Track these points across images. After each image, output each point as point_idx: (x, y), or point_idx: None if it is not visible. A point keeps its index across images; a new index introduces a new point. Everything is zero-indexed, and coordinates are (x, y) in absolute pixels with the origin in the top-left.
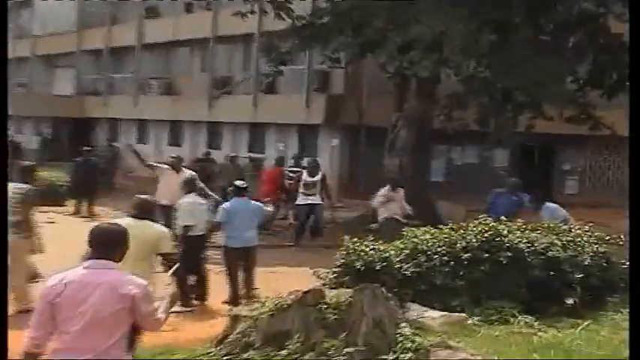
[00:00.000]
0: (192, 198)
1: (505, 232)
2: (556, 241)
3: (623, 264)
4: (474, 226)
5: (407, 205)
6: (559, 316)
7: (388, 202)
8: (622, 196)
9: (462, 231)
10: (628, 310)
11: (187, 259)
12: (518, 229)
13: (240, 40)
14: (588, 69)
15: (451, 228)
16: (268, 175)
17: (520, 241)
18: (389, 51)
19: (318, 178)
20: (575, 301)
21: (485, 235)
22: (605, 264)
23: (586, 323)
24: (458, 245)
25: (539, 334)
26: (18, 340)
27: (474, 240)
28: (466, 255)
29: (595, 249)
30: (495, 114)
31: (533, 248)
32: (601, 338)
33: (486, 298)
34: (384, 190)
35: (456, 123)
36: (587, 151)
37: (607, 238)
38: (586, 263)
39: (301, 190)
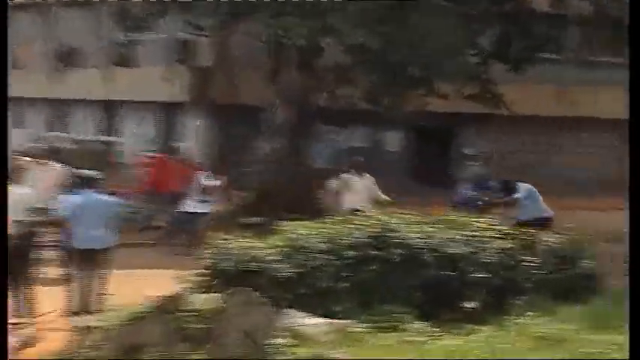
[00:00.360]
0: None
1: (397, 226)
2: (456, 236)
3: (531, 263)
4: (361, 221)
5: (383, 195)
6: (457, 321)
7: (347, 191)
8: (532, 183)
9: (349, 225)
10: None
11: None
12: (412, 223)
13: (88, 4)
14: (493, 40)
15: (336, 222)
16: (152, 163)
17: (415, 236)
18: (262, 17)
19: (217, 183)
20: (475, 305)
21: (374, 230)
22: (512, 262)
23: (486, 329)
24: (343, 242)
25: (434, 341)
26: None
27: (362, 236)
28: (352, 253)
29: (500, 245)
30: (387, 91)
31: (429, 244)
32: (505, 345)
33: (375, 302)
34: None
35: (342, 101)
36: (492, 133)
37: (515, 232)
38: (490, 261)
39: (195, 195)
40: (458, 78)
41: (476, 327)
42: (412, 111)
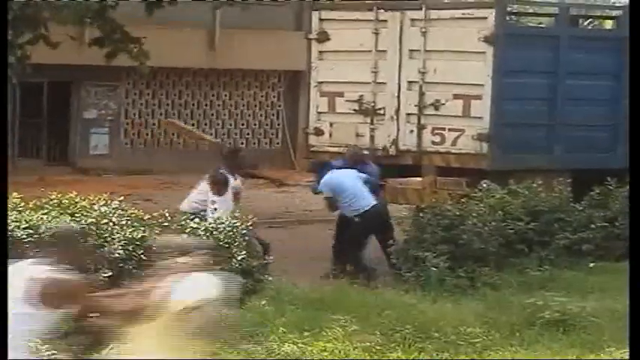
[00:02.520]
0: None
1: None
2: (71, 224)
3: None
4: None
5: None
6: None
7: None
8: (170, 159)
9: None
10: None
11: None
12: (13, 209)
13: None
14: None
15: None
16: None
17: (18, 227)
18: None
19: None
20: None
21: None
22: (139, 255)
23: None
24: None
25: None
26: None
27: None
28: None
29: (130, 235)
30: None
31: (37, 236)
32: None
33: None
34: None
35: None
36: (122, 92)
37: (147, 217)
38: (116, 255)
39: None
40: (72, 18)
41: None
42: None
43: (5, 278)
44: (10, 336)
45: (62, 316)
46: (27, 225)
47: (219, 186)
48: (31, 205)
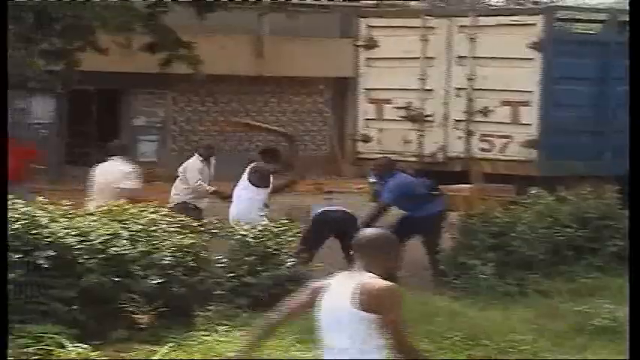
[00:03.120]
0: None
1: (44, 220)
2: (121, 231)
3: (219, 261)
4: None
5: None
6: (128, 340)
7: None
8: (218, 166)
9: None
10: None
11: None
12: (64, 216)
13: None
14: None
15: None
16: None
17: (68, 234)
18: None
19: None
20: (150, 319)
21: (16, 225)
22: (192, 263)
23: (165, 349)
24: None
25: None
26: None
27: None
28: None
29: (179, 242)
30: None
31: (88, 243)
32: None
33: (19, 322)
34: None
35: None
36: (170, 99)
37: (196, 224)
38: (166, 262)
39: None
40: (122, 25)
41: (152, 347)
42: (63, 71)
43: (5, 278)
44: None
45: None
46: (77, 232)
47: (266, 178)
48: (80, 213)
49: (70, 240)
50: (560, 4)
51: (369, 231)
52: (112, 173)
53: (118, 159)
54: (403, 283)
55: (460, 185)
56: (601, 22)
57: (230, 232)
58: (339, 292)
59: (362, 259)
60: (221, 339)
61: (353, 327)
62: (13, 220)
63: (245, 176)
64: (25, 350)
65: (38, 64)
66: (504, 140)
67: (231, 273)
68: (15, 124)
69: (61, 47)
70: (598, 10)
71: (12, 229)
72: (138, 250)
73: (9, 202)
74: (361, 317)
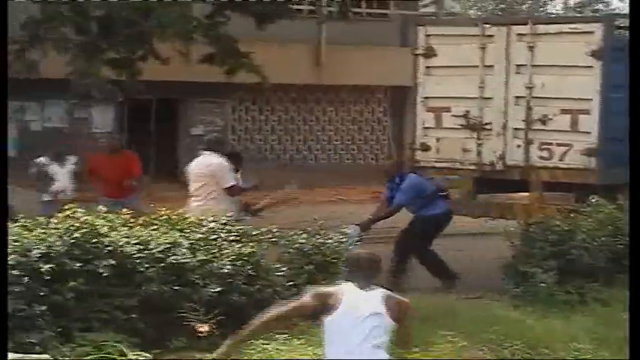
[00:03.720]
0: None
1: (104, 229)
2: (180, 240)
3: (279, 269)
4: (58, 222)
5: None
6: (188, 349)
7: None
8: (282, 170)
9: (41, 230)
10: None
11: None
12: (124, 225)
13: None
14: None
15: (25, 225)
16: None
17: (128, 242)
18: None
19: None
20: (210, 327)
21: (77, 234)
22: (251, 271)
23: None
24: (34, 252)
25: None
26: None
27: (60, 243)
28: (47, 266)
29: (238, 250)
30: (88, 53)
31: (148, 252)
32: None
33: (79, 329)
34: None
35: (26, 67)
36: (229, 108)
37: (255, 233)
38: (225, 271)
39: None
40: (180, 34)
41: (211, 356)
42: (122, 80)
43: (5, 278)
44: None
45: None
46: (137, 241)
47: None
48: (140, 221)
49: (130, 249)
50: (618, 12)
51: (363, 252)
52: (209, 166)
53: (212, 153)
54: (458, 290)
55: (519, 194)
56: None
57: (289, 241)
58: (360, 299)
59: (358, 274)
60: (280, 347)
61: (373, 329)
62: (73, 229)
63: None
64: (86, 358)
65: (102, 74)
66: (563, 148)
67: (290, 282)
68: (75, 133)
69: (125, 56)
70: None
71: (72, 238)
72: (197, 258)
73: (71, 211)
74: (383, 322)
